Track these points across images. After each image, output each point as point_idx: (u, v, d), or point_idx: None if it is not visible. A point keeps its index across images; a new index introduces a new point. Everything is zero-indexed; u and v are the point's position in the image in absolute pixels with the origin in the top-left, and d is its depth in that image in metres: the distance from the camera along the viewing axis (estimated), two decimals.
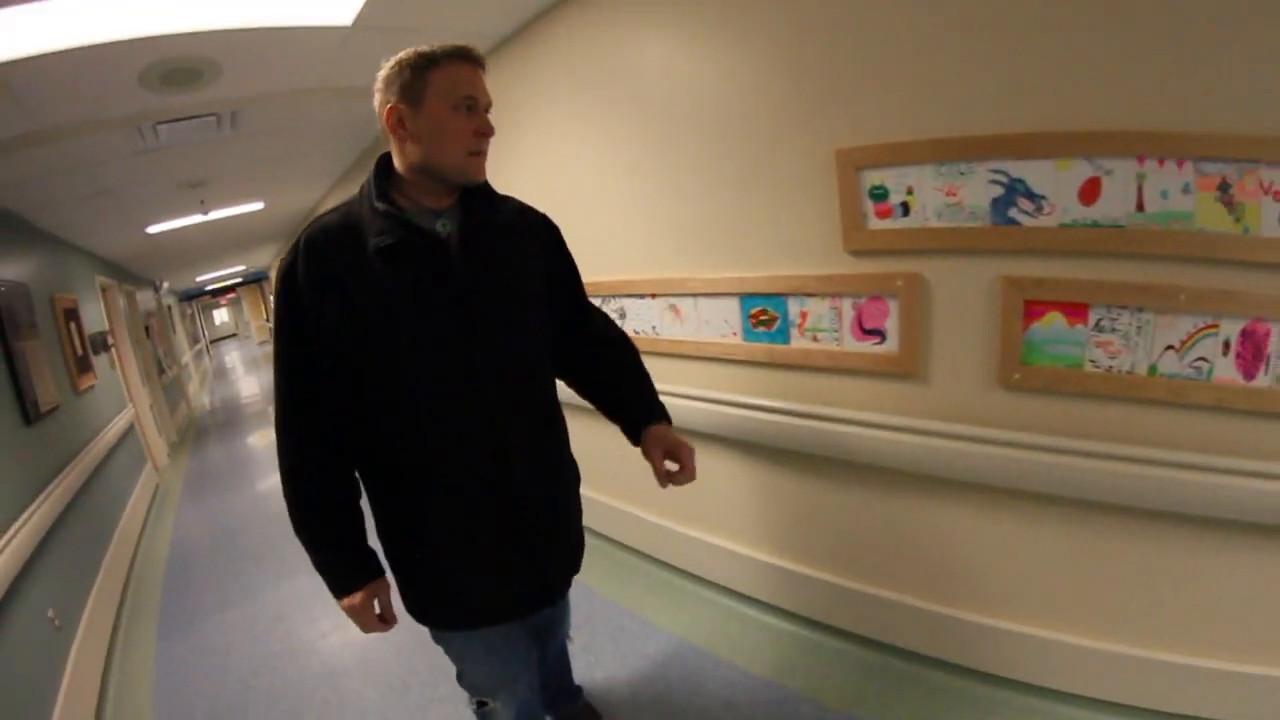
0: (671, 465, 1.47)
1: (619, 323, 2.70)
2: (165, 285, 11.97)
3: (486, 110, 1.28)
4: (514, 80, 3.00)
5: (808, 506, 2.32)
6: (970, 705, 1.96)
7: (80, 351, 4.71)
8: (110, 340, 6.11)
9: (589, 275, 2.75)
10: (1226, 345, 1.62)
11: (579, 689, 2.12)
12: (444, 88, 1.22)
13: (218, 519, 4.97)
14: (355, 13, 2.20)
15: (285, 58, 2.40)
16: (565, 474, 1.56)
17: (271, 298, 1.32)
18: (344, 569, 1.35)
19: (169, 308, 12.86)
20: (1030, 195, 1.72)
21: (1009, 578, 1.95)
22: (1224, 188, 1.54)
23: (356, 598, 1.34)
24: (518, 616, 1.47)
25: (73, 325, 4.65)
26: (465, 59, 1.25)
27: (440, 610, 1.44)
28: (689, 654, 2.39)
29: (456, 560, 1.38)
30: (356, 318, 1.23)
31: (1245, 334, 1.58)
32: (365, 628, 1.39)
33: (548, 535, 1.45)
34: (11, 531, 2.53)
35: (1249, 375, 1.59)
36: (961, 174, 1.78)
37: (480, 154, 1.29)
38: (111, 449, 4.70)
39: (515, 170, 3.09)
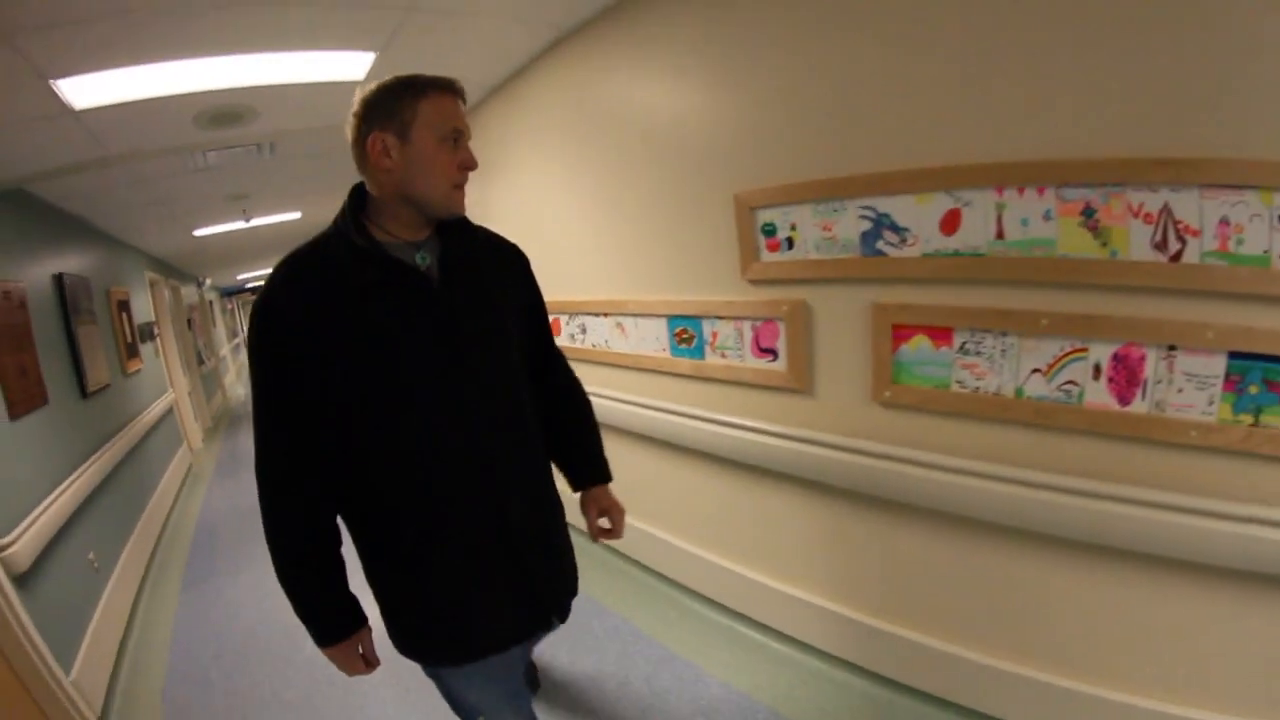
0: (604, 523, 1.58)
1: (581, 337, 3.15)
2: (208, 281, 12.47)
3: (468, 142, 1.26)
4: (500, 124, 3.45)
5: (738, 508, 2.59)
6: None
7: (130, 339, 5.25)
8: (156, 330, 6.66)
9: (561, 295, 3.07)
10: (1097, 369, 1.60)
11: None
12: (433, 119, 1.18)
13: (242, 497, 5.44)
14: (366, 70, 2.65)
15: (310, 103, 2.84)
16: (553, 502, 1.51)
17: (246, 339, 1.23)
18: (329, 620, 1.31)
19: (211, 303, 13.48)
20: (895, 228, 1.84)
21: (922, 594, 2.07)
22: (1088, 213, 1.53)
23: (340, 647, 1.31)
24: (516, 644, 1.43)
25: (124, 315, 5.19)
26: (451, 91, 1.22)
27: (439, 648, 1.39)
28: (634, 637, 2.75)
29: (455, 596, 1.32)
30: (343, 356, 1.18)
31: (1117, 358, 1.56)
32: (349, 672, 1.36)
33: (543, 563, 1.42)
34: (65, 484, 3.03)
35: (1124, 400, 1.57)
36: (835, 211, 1.95)
37: (462, 187, 1.27)
38: (152, 427, 5.24)
39: (499, 202, 3.57)
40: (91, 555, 3.18)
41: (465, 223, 1.35)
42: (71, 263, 4.11)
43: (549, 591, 1.43)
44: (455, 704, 1.54)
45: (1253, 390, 1.42)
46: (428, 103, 1.18)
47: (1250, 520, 1.43)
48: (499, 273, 1.43)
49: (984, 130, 1.62)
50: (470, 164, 1.25)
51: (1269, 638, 1.49)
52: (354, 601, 1.33)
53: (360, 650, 1.35)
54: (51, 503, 2.79)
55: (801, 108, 1.98)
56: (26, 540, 2.42)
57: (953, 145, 1.68)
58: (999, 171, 1.61)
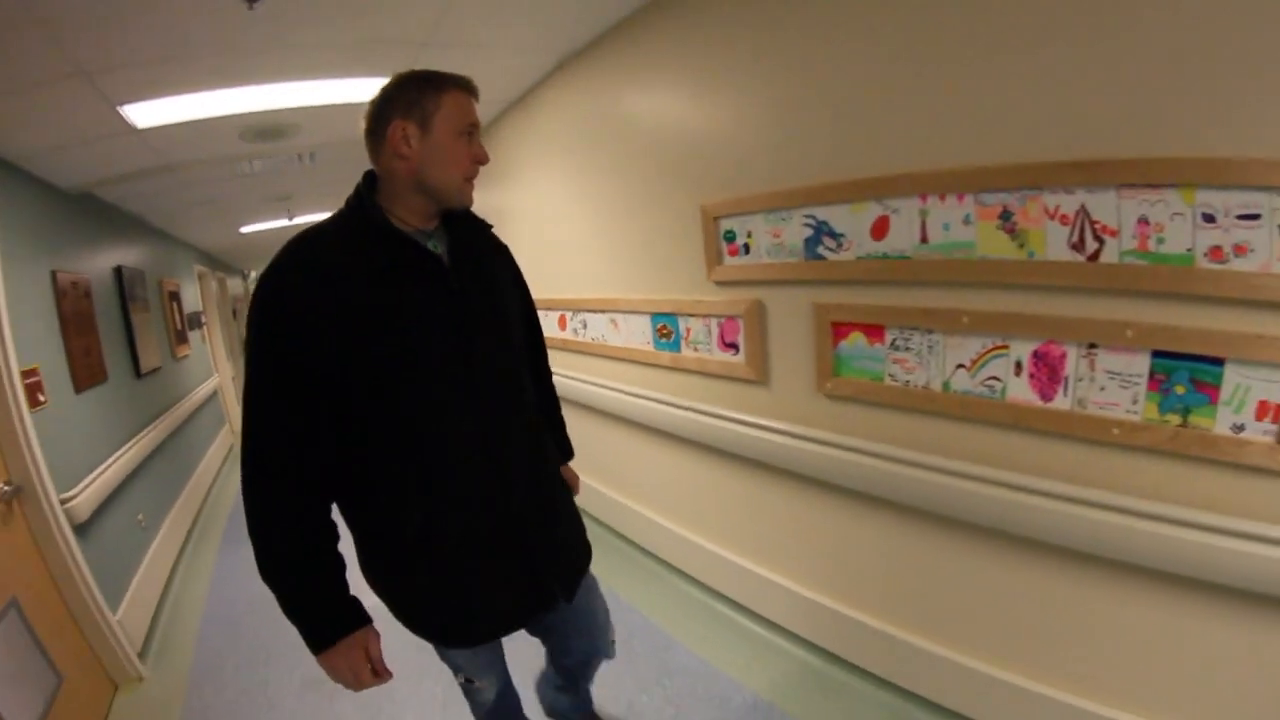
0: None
1: (583, 331, 3.42)
2: (252, 274, 12.93)
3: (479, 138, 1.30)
4: (512, 137, 3.72)
5: (712, 490, 2.84)
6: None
7: (179, 326, 5.68)
8: (203, 319, 7.12)
9: (565, 293, 3.25)
10: (1019, 366, 1.63)
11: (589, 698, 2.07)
12: (453, 114, 1.23)
13: None
14: None
15: (347, 120, 3.01)
16: (555, 483, 1.54)
17: (247, 319, 1.21)
18: (325, 614, 1.22)
19: None
20: (832, 234, 1.97)
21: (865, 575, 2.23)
22: (1006, 216, 1.56)
23: (339, 649, 1.21)
24: (517, 627, 1.45)
25: (175, 305, 5.62)
26: (469, 89, 1.26)
27: (439, 632, 1.39)
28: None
29: (459, 581, 1.31)
30: (356, 337, 1.17)
31: (1038, 355, 1.59)
32: (355, 683, 1.23)
33: (546, 543, 1.41)
34: (120, 452, 3.43)
35: (1046, 396, 1.59)
36: (782, 219, 2.12)
37: (472, 180, 1.30)
38: (198, 408, 5.67)
39: (513, 207, 3.84)
40: (140, 516, 3.58)
41: (470, 215, 1.41)
42: (129, 256, 4.51)
43: (551, 571, 1.42)
44: (441, 655, 1.57)
45: (1179, 390, 1.41)
46: (449, 97, 1.23)
47: (1179, 523, 1.42)
48: (499, 264, 1.50)
49: (909, 142, 1.74)
50: (483, 158, 1.29)
51: (1183, 639, 1.52)
52: (355, 601, 1.26)
53: (367, 654, 1.25)
54: (108, 466, 3.17)
55: (754, 128, 2.19)
56: (86, 496, 2.78)
57: (882, 158, 1.81)
58: (922, 180, 1.71)
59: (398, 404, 1.23)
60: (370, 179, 1.29)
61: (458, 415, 1.27)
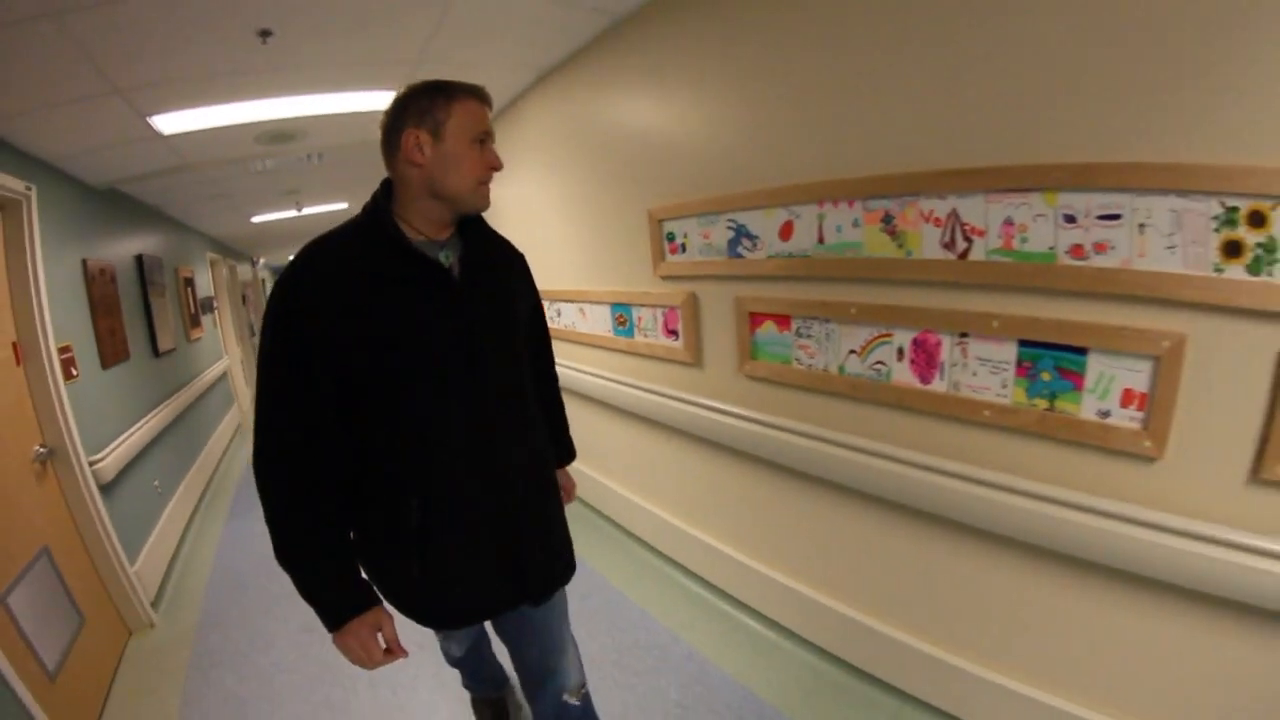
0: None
1: (557, 319, 3.75)
2: (261, 261, 13.22)
3: (493, 145, 1.30)
4: (503, 141, 3.96)
5: (661, 462, 3.15)
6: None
7: (193, 311, 5.98)
8: (215, 304, 7.41)
9: (544, 285, 3.55)
10: (901, 352, 1.77)
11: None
12: (465, 122, 1.23)
13: None
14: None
15: (350, 126, 3.45)
16: (552, 486, 1.55)
17: (263, 317, 1.24)
18: (341, 597, 1.26)
19: (263, 280, 14.28)
20: (749, 236, 2.19)
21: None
22: (888, 219, 1.70)
23: (352, 628, 1.25)
24: (497, 614, 1.47)
25: (189, 290, 5.91)
26: (482, 97, 1.27)
27: (425, 617, 1.42)
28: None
29: (452, 575, 1.33)
30: (364, 344, 1.19)
31: (917, 343, 1.72)
32: (370, 662, 1.27)
33: (540, 546, 1.43)
34: (140, 423, 3.77)
35: (925, 380, 1.74)
36: (710, 222, 2.36)
37: (487, 184, 1.30)
38: (210, 387, 5.98)
39: (502, 205, 4.16)
40: (156, 482, 3.92)
41: (483, 223, 1.42)
42: (149, 245, 4.82)
43: (536, 575, 1.43)
44: None
45: (1045, 377, 1.50)
46: (460, 106, 1.23)
47: (1044, 499, 1.52)
48: (510, 273, 1.51)
49: (809, 156, 1.96)
50: (496, 164, 1.30)
51: (1043, 605, 1.65)
52: (367, 583, 1.31)
53: (380, 634, 1.28)
54: (130, 435, 3.51)
55: (690, 144, 2.47)
56: (111, 459, 3.12)
57: (788, 169, 2.04)
58: (820, 189, 1.90)
59: (401, 409, 1.26)
60: (387, 186, 1.31)
61: (460, 422, 1.29)
